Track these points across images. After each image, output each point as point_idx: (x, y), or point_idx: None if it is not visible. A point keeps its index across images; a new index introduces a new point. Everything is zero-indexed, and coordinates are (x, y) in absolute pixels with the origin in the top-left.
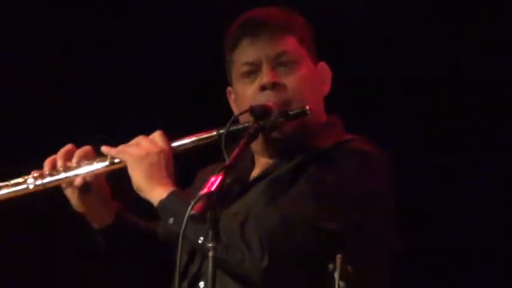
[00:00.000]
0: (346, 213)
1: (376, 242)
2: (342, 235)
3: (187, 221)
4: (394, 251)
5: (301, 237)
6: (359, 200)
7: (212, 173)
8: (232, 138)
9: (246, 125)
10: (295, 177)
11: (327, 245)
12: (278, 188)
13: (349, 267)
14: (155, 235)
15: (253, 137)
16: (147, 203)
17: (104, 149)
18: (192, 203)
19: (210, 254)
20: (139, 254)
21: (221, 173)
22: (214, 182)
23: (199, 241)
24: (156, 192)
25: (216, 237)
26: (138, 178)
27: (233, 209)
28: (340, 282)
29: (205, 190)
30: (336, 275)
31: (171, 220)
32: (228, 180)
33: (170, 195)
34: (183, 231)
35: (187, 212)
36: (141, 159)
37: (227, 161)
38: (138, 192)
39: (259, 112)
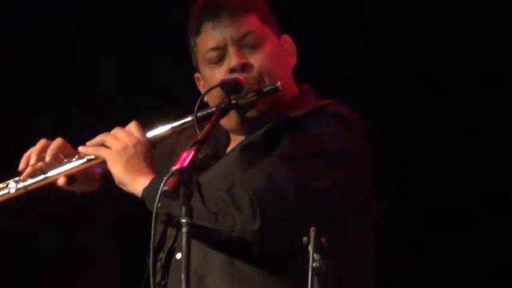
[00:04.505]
0: (329, 172)
1: (359, 203)
2: (328, 193)
3: (160, 197)
4: (376, 217)
5: (290, 196)
6: (340, 157)
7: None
8: (209, 119)
9: (213, 109)
10: (271, 143)
11: (315, 205)
12: (252, 153)
13: (323, 239)
14: None
15: (224, 112)
16: None
17: (81, 149)
18: (165, 179)
19: (184, 229)
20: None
21: (193, 148)
22: (186, 158)
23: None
24: (138, 183)
25: (190, 213)
26: (119, 172)
27: (207, 177)
28: (315, 255)
29: (177, 166)
30: (310, 247)
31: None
32: (200, 156)
33: (153, 182)
34: (157, 207)
35: (160, 188)
36: (119, 154)
37: (199, 136)
38: (121, 186)
39: (230, 86)
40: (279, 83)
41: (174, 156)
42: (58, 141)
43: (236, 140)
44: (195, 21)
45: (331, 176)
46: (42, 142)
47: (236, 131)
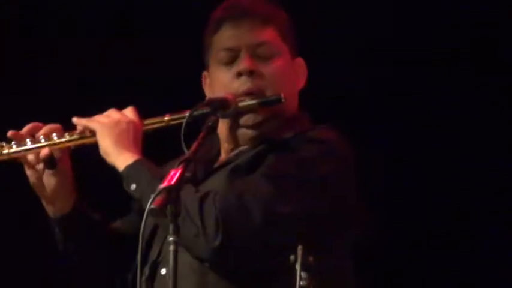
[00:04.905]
0: (300, 199)
1: (336, 229)
2: (296, 220)
3: (147, 214)
4: (356, 239)
5: (255, 218)
6: (314, 186)
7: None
8: (201, 121)
9: (208, 110)
10: (253, 165)
11: (281, 229)
12: (237, 175)
13: (310, 258)
14: (112, 230)
15: (212, 130)
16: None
17: (75, 119)
18: (152, 196)
19: (171, 248)
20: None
21: (180, 166)
22: (174, 176)
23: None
24: (122, 158)
25: (177, 231)
26: (106, 143)
27: None
28: (302, 273)
29: (164, 184)
30: (298, 266)
31: (133, 186)
32: (188, 174)
33: (136, 162)
34: (144, 223)
35: (148, 206)
36: (111, 127)
37: (186, 154)
38: (105, 157)
39: (215, 105)
40: (282, 95)
41: None
42: (55, 124)
43: (224, 151)
44: (216, 20)
45: (303, 203)
46: (36, 123)
47: (226, 139)
